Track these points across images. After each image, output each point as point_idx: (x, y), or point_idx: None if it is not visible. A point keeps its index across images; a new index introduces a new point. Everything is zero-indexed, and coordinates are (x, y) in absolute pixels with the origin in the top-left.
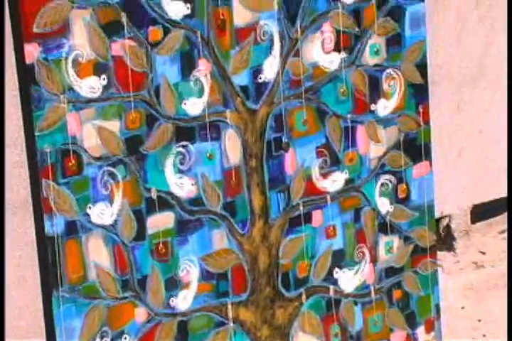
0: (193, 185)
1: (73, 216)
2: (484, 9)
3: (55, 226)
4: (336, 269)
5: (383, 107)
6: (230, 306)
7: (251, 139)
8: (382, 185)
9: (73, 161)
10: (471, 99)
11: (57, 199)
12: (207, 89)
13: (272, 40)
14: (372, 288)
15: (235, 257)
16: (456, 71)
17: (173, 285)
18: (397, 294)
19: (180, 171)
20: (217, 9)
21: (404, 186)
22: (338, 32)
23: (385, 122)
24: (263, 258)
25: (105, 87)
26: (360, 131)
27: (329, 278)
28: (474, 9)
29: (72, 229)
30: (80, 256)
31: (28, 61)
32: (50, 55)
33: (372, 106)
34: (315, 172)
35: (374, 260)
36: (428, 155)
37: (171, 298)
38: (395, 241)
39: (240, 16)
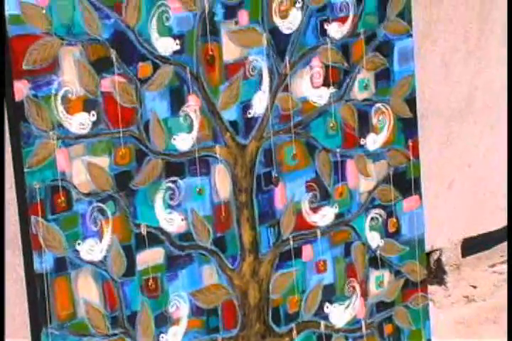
0: (182, 220)
1: (62, 252)
2: (472, 43)
3: (44, 263)
4: (327, 304)
5: (373, 141)
6: None
7: (241, 174)
8: (372, 219)
9: (62, 197)
10: (460, 133)
11: (47, 235)
12: (196, 125)
13: (261, 76)
14: (363, 323)
15: (225, 292)
16: (444, 105)
17: (163, 321)
18: (388, 329)
19: (169, 206)
20: (207, 45)
21: (395, 220)
22: (327, 67)
23: (375, 156)
24: (253, 293)
25: (95, 123)
26: (350, 166)
27: (320, 313)
28: (462, 43)
29: (61, 265)
30: (69, 293)
31: (17, 98)
32: (40, 92)
33: (362, 141)
34: (305, 207)
35: (365, 294)
36: (418, 189)
37: (161, 335)
38: (386, 275)
39: (229, 52)
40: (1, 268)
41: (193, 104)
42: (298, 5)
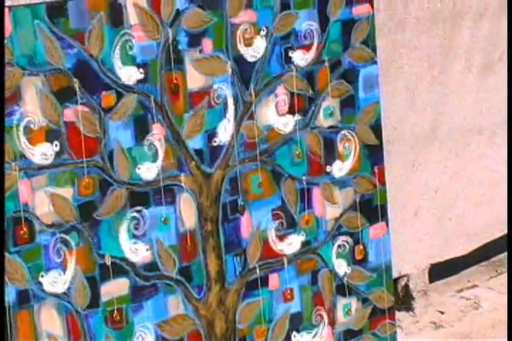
0: (147, 250)
1: (25, 285)
2: (437, 70)
3: (6, 296)
4: (294, 333)
5: (339, 169)
6: None
7: (206, 203)
8: (339, 246)
9: (25, 229)
10: (426, 159)
11: (9, 268)
12: (161, 154)
13: (226, 104)
14: None
15: (191, 323)
16: (410, 131)
17: None
18: None
19: (134, 236)
20: (171, 73)
21: (362, 247)
22: (292, 94)
23: (341, 184)
24: (220, 323)
25: (58, 154)
26: (316, 193)
27: None
28: (427, 70)
29: (24, 298)
30: (33, 326)
31: None
32: None
33: (328, 168)
34: (271, 235)
35: (332, 322)
36: (384, 216)
37: None
38: (353, 303)
39: (194, 80)
40: (1, 271)
41: (157, 133)
42: (262, 33)
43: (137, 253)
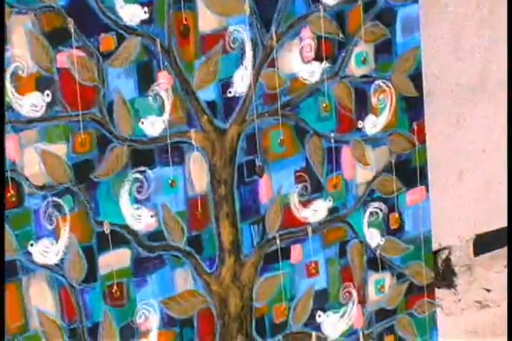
0: (152, 216)
1: (12, 255)
2: (485, 11)
3: None
4: (319, 312)
5: (372, 125)
6: None
7: (219, 163)
8: (371, 214)
9: (12, 191)
10: (472, 115)
11: None
12: (168, 106)
13: (243, 49)
14: (360, 334)
15: (202, 300)
16: (454, 82)
17: (130, 334)
18: (389, 340)
19: (137, 201)
20: (180, 14)
21: (397, 215)
22: (319, 38)
23: (374, 142)
24: (234, 300)
25: (49, 105)
26: (346, 153)
27: (311, 322)
28: (475, 11)
29: (11, 270)
30: (21, 302)
31: None
32: None
33: (360, 124)
34: (294, 201)
35: (362, 301)
36: (424, 180)
37: None
38: (387, 279)
39: (206, 22)
40: (1, 266)
41: (164, 82)
42: None
43: (140, 220)
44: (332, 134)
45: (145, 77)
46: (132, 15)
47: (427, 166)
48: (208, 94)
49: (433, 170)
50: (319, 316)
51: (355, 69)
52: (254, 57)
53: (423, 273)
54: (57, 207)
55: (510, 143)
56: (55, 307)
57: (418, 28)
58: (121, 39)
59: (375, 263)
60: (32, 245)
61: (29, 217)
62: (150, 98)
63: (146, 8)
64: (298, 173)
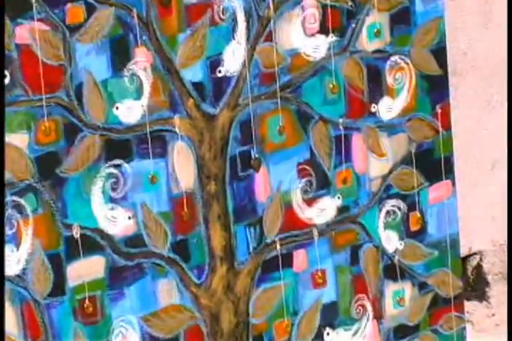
0: (129, 218)
1: None
2: None
3: None
4: (328, 330)
5: (387, 108)
6: None
7: (208, 155)
8: (387, 213)
9: None
10: (506, 95)
11: None
12: (147, 88)
13: (234, 20)
14: None
15: (189, 316)
16: (484, 58)
17: None
18: None
19: (112, 200)
20: None
21: (418, 215)
22: (324, 7)
23: (391, 129)
24: (227, 316)
25: (8, 88)
26: (357, 142)
27: None
28: None
29: None
30: None
31: None
32: None
33: (373, 108)
34: (296, 199)
35: (379, 316)
36: (450, 173)
37: None
38: (407, 289)
39: None
40: (1, 268)
41: (142, 61)
42: None
43: (115, 222)
44: (341, 120)
45: (120, 55)
46: None
47: (453, 157)
48: (194, 73)
49: (460, 161)
50: (328, 334)
51: (367, 44)
52: (248, 29)
53: (450, 283)
54: (18, 207)
55: None
56: (16, 325)
57: None
58: (91, 10)
59: (392, 271)
60: None
61: None
62: (126, 79)
63: None
64: (301, 166)
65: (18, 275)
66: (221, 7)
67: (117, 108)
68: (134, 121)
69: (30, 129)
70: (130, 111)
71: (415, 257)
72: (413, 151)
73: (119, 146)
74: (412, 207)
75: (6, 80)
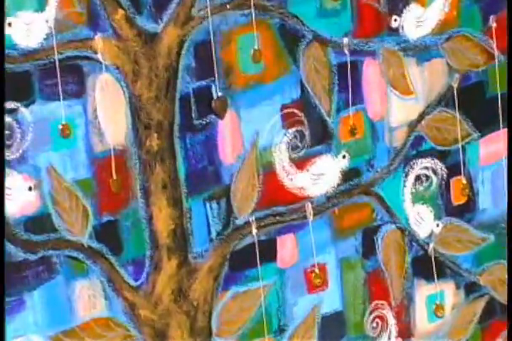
0: (31, 189)
1: None
2: None
3: None
4: None
5: (415, 22)
6: None
7: (148, 94)
8: (417, 180)
9: None
10: None
11: None
12: None
13: None
14: None
15: (123, 335)
16: None
17: None
18: None
19: (5, 162)
20: None
21: (464, 181)
22: None
23: (422, 52)
24: (179, 334)
25: None
26: (371, 72)
27: None
28: None
29: None
30: None
31: None
32: None
33: (394, 21)
34: (281, 159)
35: (406, 333)
36: (509, 118)
37: None
38: (448, 292)
39: None
40: (1, 266)
41: None
42: None
43: (10, 195)
44: (345, 40)
45: None
46: None
47: None
48: None
49: None
50: None
51: None
52: None
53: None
54: None
55: None
56: None
57: None
58: None
59: (426, 265)
60: None
61: None
62: None
63: None
64: (286, 110)
65: None
66: None
67: (10, 24)
68: (36, 44)
69: None
70: (29, 30)
71: (460, 245)
72: (455, 86)
73: (14, 82)
74: (454, 171)
75: None
